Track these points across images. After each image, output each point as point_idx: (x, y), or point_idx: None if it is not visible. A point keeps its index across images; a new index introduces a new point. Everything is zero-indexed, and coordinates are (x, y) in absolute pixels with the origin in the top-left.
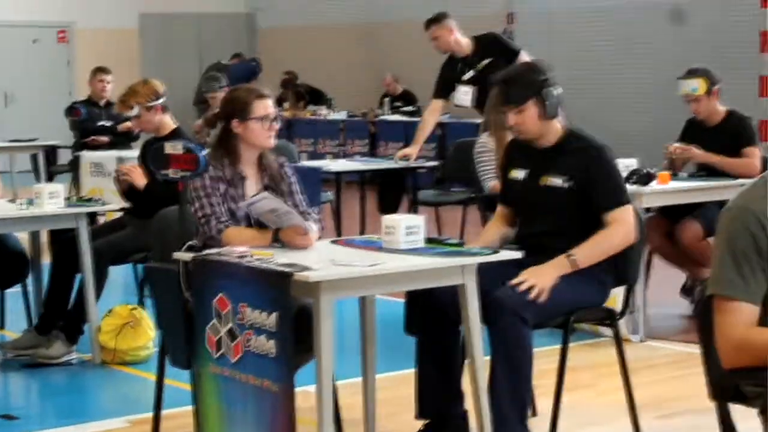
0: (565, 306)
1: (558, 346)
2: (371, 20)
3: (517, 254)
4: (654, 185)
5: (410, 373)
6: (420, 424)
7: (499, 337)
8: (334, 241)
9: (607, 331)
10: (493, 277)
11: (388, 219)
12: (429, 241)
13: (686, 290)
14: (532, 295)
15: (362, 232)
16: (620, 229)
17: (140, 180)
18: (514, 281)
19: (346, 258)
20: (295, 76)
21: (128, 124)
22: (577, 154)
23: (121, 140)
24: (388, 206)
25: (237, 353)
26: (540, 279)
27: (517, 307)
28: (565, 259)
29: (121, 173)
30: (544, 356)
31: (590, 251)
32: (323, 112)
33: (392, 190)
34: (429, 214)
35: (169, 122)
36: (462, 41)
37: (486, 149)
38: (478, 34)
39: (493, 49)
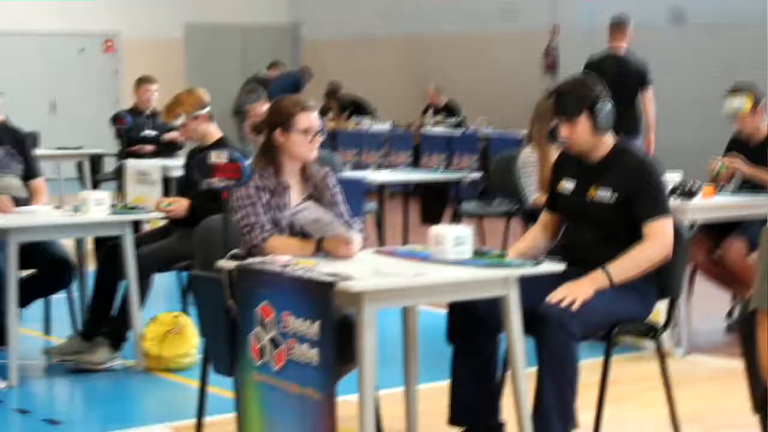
0: (609, 319)
1: (600, 359)
2: (415, 32)
3: (559, 267)
4: (698, 199)
5: None
6: (455, 430)
7: (547, 350)
8: (377, 252)
9: (650, 344)
10: (535, 287)
11: (436, 229)
12: (474, 252)
13: (732, 316)
14: (565, 304)
15: (405, 243)
16: (656, 243)
17: (183, 211)
18: (552, 299)
19: (389, 268)
20: (338, 86)
21: (173, 134)
22: (625, 168)
23: (166, 149)
24: (432, 217)
25: (280, 361)
26: (577, 294)
27: (564, 320)
28: (602, 274)
29: (164, 212)
30: (585, 369)
31: (626, 266)
32: (367, 124)
33: (435, 202)
34: (472, 226)
35: (214, 131)
36: None
37: (530, 162)
38: None
39: None
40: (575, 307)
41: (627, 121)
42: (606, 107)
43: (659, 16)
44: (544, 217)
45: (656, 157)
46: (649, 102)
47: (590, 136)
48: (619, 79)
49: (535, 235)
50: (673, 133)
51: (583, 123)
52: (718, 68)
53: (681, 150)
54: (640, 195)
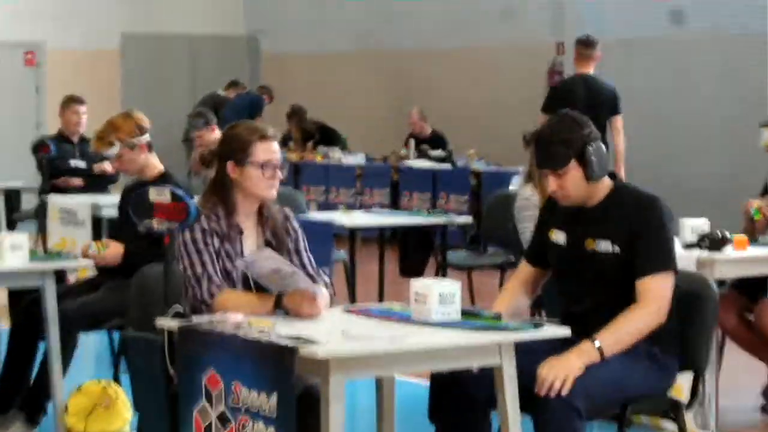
0: (622, 394)
1: None
2: (394, 47)
3: (565, 331)
4: (729, 251)
5: None
6: None
7: (547, 431)
8: (347, 310)
9: (670, 424)
10: (533, 356)
11: (418, 284)
12: (463, 312)
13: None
14: (555, 389)
15: (381, 298)
16: (648, 307)
17: (116, 258)
18: (539, 388)
19: (362, 330)
20: (302, 110)
21: (105, 165)
22: (626, 210)
23: (97, 183)
24: (412, 269)
25: None
26: (565, 372)
27: (567, 395)
28: (591, 346)
29: (93, 259)
30: None
31: (615, 338)
32: (336, 155)
33: (417, 250)
34: (460, 280)
35: (155, 163)
36: None
37: (530, 205)
38: None
39: None
40: (566, 390)
41: None
42: (598, 150)
43: (680, 30)
44: (523, 270)
45: (673, 199)
46: (618, 131)
47: (583, 187)
48: (590, 105)
49: (514, 293)
50: (696, 171)
51: (572, 173)
52: (749, 90)
53: (707, 191)
54: (639, 242)
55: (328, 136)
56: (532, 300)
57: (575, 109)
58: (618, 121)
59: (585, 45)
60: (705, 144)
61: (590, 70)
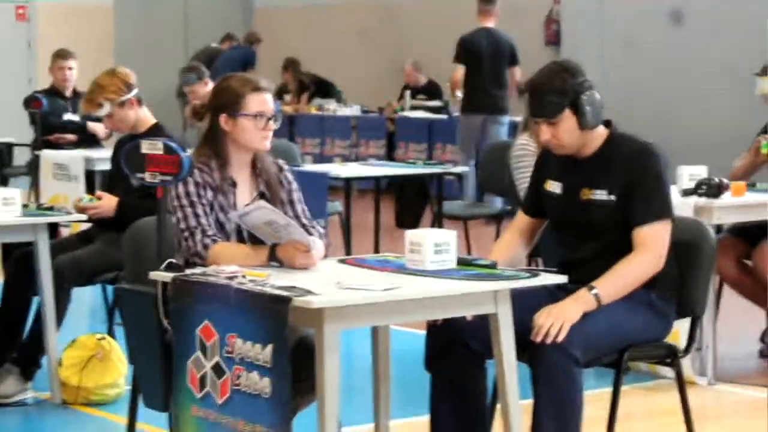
0: (619, 340)
1: (608, 389)
2: None
3: (561, 278)
4: (726, 197)
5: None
6: None
7: (545, 379)
8: (342, 260)
9: (668, 371)
10: (529, 304)
11: (412, 234)
12: (459, 261)
13: (766, 338)
14: (552, 336)
15: (376, 250)
16: (645, 256)
17: (109, 211)
18: (536, 335)
19: (356, 280)
20: (297, 63)
21: (98, 126)
22: (621, 158)
23: (90, 137)
24: (408, 220)
25: (224, 393)
26: (562, 318)
27: (564, 342)
28: (588, 294)
29: (86, 212)
30: (591, 401)
31: (613, 285)
32: (332, 107)
33: (413, 201)
34: (456, 230)
35: (146, 117)
36: None
37: (526, 152)
38: None
39: None
40: (562, 335)
41: (498, 98)
42: (593, 98)
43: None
44: (520, 220)
45: (674, 148)
46: (516, 78)
47: (577, 136)
48: (493, 56)
49: (511, 243)
50: (695, 123)
51: (566, 122)
52: (748, 47)
53: (706, 141)
54: (635, 190)
55: (324, 89)
56: (529, 250)
57: (480, 59)
58: (516, 71)
59: (486, 1)
60: (703, 100)
61: (491, 23)
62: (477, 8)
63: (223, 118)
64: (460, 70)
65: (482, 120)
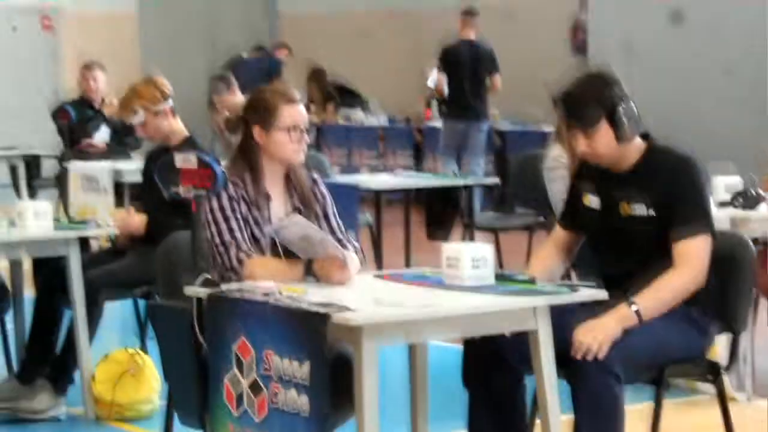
0: (659, 357)
1: (644, 404)
2: (417, 6)
3: (602, 294)
4: (764, 209)
5: None
6: None
7: (586, 395)
8: (378, 276)
9: (706, 386)
10: (569, 319)
11: (449, 248)
12: (497, 277)
13: None
14: (592, 353)
15: (407, 263)
16: (686, 272)
17: (138, 226)
18: (575, 352)
19: (394, 296)
20: (323, 72)
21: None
22: (661, 172)
23: (119, 149)
24: (438, 231)
25: (262, 411)
26: (601, 337)
27: (605, 360)
28: (629, 310)
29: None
30: (630, 417)
31: (654, 301)
32: (358, 116)
33: (443, 212)
34: (487, 241)
35: (180, 129)
36: None
37: (559, 165)
38: None
39: None
40: (603, 353)
41: (478, 106)
42: (629, 110)
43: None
44: (557, 234)
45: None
46: (495, 87)
47: (614, 148)
48: (473, 65)
49: (549, 257)
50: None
51: (603, 133)
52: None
53: (738, 144)
54: (674, 205)
55: (349, 98)
56: (568, 264)
57: (460, 68)
58: (496, 78)
59: (469, 14)
60: (737, 95)
61: (472, 36)
62: (459, 21)
63: (256, 131)
64: (440, 78)
65: (463, 126)
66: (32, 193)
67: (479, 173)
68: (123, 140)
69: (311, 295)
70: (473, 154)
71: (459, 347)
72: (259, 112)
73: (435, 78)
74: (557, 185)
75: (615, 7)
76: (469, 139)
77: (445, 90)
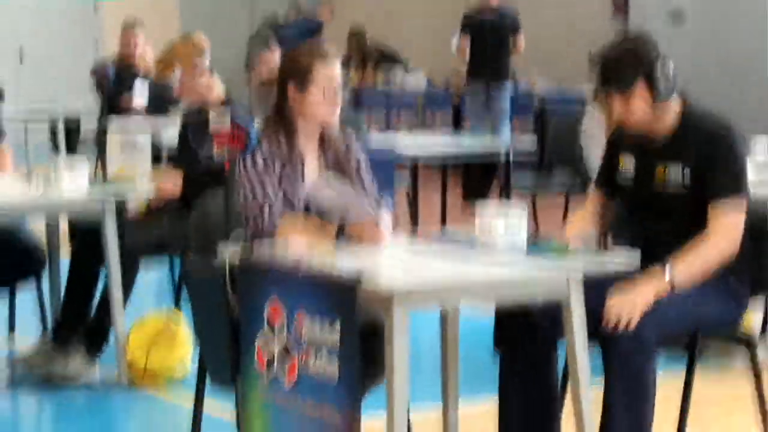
0: (693, 324)
1: (674, 370)
2: None
3: (634, 260)
4: None
5: None
6: None
7: (618, 364)
8: (410, 239)
9: (738, 358)
10: (600, 284)
11: (482, 213)
12: (530, 242)
13: None
14: (625, 322)
15: (443, 225)
16: (719, 242)
17: (174, 188)
18: (607, 322)
19: (426, 261)
20: (363, 33)
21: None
22: (698, 140)
23: (159, 107)
24: (475, 194)
25: (292, 375)
26: (634, 307)
27: (637, 328)
28: (663, 277)
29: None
30: (660, 385)
31: (688, 270)
32: (398, 78)
33: (480, 175)
34: (524, 203)
35: (218, 88)
36: None
37: (596, 128)
38: None
39: None
40: (635, 321)
41: (501, 67)
42: (666, 68)
43: None
44: (594, 198)
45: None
46: (519, 47)
47: (650, 110)
48: (496, 28)
49: (584, 221)
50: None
51: (639, 94)
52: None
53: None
54: (711, 168)
55: (388, 60)
56: (604, 228)
57: (482, 30)
58: (520, 39)
59: None
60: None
61: (495, 2)
62: None
63: (291, 90)
64: (463, 41)
65: (485, 87)
66: (71, 152)
67: (506, 135)
68: (161, 105)
69: (342, 261)
70: (499, 117)
71: (490, 314)
72: (294, 70)
73: (458, 42)
74: (594, 149)
75: None
76: (492, 101)
77: (467, 54)
